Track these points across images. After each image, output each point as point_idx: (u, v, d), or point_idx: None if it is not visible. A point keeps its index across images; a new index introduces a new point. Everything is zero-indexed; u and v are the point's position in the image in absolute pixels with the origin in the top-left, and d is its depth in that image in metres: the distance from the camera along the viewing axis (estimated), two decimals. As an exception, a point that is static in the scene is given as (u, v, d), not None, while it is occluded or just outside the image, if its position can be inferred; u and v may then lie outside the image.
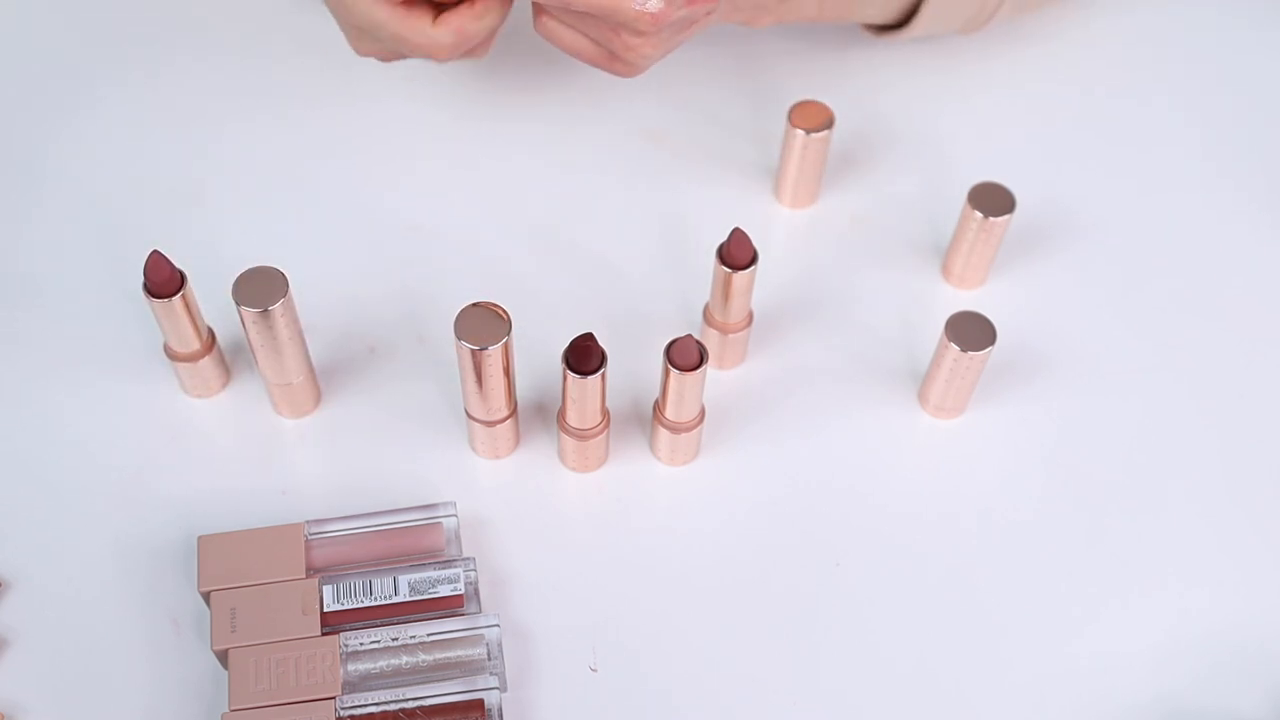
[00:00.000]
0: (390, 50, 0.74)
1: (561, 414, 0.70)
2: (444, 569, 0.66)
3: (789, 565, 0.70)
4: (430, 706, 0.62)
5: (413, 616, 0.65)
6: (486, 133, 0.85)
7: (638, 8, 0.65)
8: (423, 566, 0.66)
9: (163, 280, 0.68)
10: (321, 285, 0.77)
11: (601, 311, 0.78)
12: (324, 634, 0.64)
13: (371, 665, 0.64)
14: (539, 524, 0.71)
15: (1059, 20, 0.93)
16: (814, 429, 0.75)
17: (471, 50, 0.74)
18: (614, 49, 0.70)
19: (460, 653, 0.64)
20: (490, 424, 0.70)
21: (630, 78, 0.73)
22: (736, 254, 0.70)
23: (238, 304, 0.66)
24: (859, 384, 0.76)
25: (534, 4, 0.71)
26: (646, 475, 0.73)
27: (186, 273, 0.68)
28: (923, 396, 0.75)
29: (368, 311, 0.78)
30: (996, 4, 0.83)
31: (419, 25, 0.70)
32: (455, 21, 0.70)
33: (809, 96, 0.79)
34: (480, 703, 0.63)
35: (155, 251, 0.67)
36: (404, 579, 0.66)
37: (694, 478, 0.73)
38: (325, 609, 0.65)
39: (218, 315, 0.74)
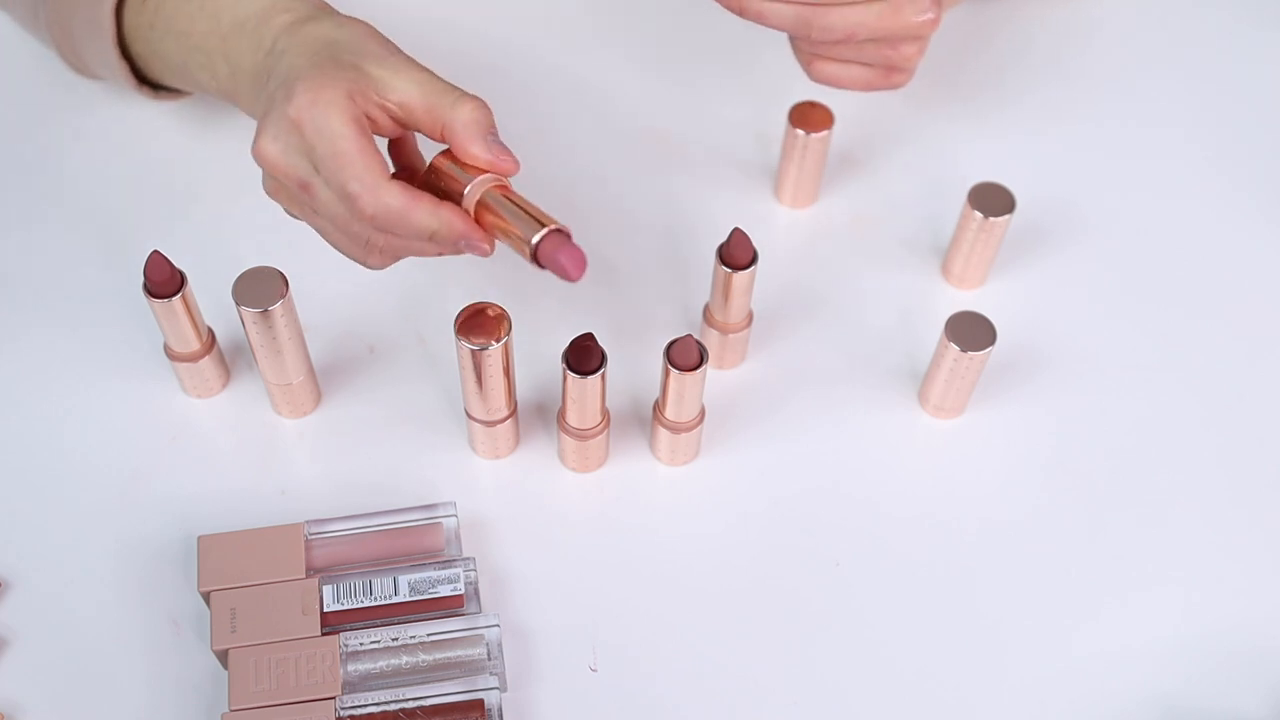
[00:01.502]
0: (304, 176, 0.62)
1: (561, 414, 0.70)
2: (444, 569, 0.66)
3: (789, 565, 0.70)
4: (430, 706, 0.62)
5: (413, 616, 0.65)
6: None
7: (918, 19, 0.70)
8: (423, 566, 0.66)
9: (163, 280, 0.68)
10: (321, 285, 0.77)
11: (601, 311, 0.78)
12: (324, 634, 0.64)
13: (371, 665, 0.64)
14: (539, 524, 0.71)
15: (1059, 20, 0.93)
16: (814, 429, 0.75)
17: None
18: (893, 63, 0.73)
19: (460, 653, 0.64)
20: (490, 424, 0.70)
21: (904, 86, 0.75)
22: (736, 254, 0.70)
23: (238, 304, 0.66)
24: (859, 384, 0.76)
25: (803, 55, 0.74)
26: (646, 475, 0.73)
27: (186, 273, 0.68)
28: (923, 396, 0.75)
29: (368, 311, 0.78)
30: None
31: (374, 164, 0.60)
32: (411, 196, 0.61)
33: (809, 96, 0.79)
34: (480, 703, 0.63)
35: (155, 251, 0.67)
36: (404, 579, 0.66)
37: (694, 478, 0.73)
38: (325, 609, 0.65)
39: (218, 315, 0.74)
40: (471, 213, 0.62)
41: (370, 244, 0.63)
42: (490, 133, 0.62)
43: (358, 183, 0.61)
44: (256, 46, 0.66)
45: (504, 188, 0.62)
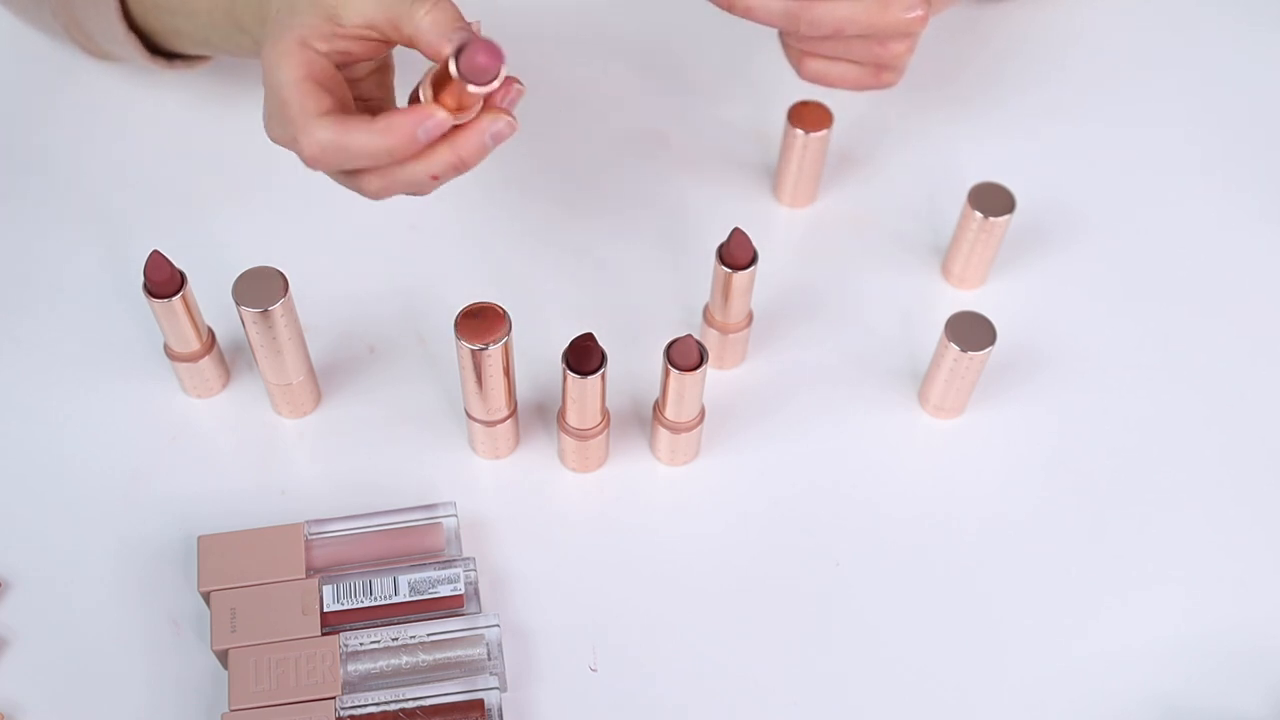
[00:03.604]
0: (276, 124, 0.61)
1: (561, 414, 0.70)
2: (444, 569, 0.66)
3: (789, 565, 0.70)
4: (430, 706, 0.62)
5: (413, 616, 0.65)
6: (486, 133, 0.85)
7: (906, 15, 0.69)
8: (423, 566, 0.66)
9: (163, 280, 0.68)
10: (321, 285, 0.77)
11: (601, 311, 0.78)
12: (324, 634, 0.64)
13: (371, 665, 0.64)
14: (539, 524, 0.71)
15: (1059, 20, 0.93)
16: (814, 429, 0.75)
17: (357, 180, 0.62)
18: (882, 61, 0.73)
19: (460, 653, 0.64)
20: (490, 424, 0.70)
21: (894, 85, 0.75)
22: (736, 254, 0.70)
23: (238, 304, 0.66)
24: (859, 384, 0.76)
25: (793, 54, 0.74)
26: (646, 475, 0.73)
27: (186, 273, 0.68)
28: (923, 396, 0.75)
29: (368, 311, 0.78)
30: None
31: (308, 103, 0.59)
32: (341, 126, 0.58)
33: (808, 96, 0.79)
34: (480, 703, 0.63)
35: (155, 251, 0.67)
36: (404, 579, 0.66)
37: (694, 478, 0.73)
38: (325, 609, 0.65)
39: (218, 315, 0.74)
40: (430, 99, 0.58)
41: (359, 187, 0.61)
42: (455, 29, 0.58)
43: (293, 126, 0.59)
44: None
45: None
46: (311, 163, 0.60)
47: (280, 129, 0.61)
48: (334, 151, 0.59)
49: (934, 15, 0.71)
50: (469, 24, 0.59)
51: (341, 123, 0.59)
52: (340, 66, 0.62)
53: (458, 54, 0.56)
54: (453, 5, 0.59)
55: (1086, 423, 0.76)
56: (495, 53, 0.56)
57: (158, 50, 0.77)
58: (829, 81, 0.74)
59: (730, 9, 0.70)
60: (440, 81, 0.58)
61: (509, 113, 0.60)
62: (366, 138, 0.58)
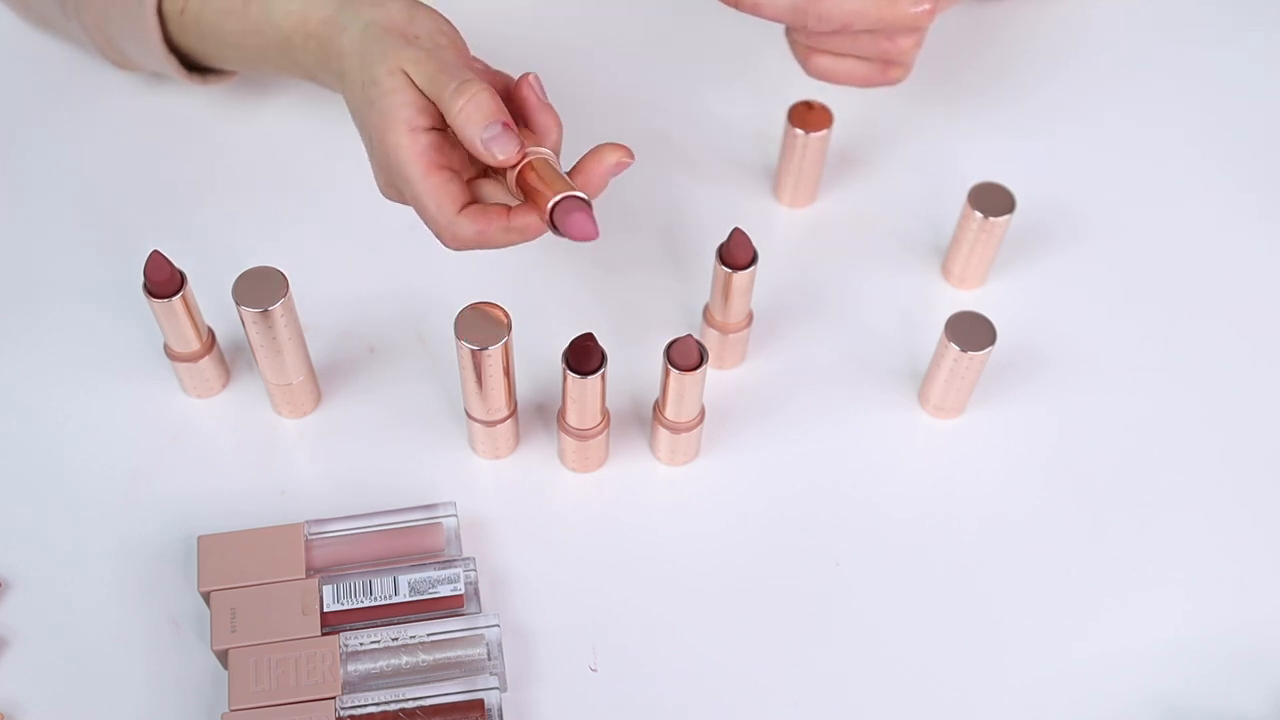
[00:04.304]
0: (395, 193, 0.67)
1: (561, 414, 0.70)
2: (444, 569, 0.66)
3: (789, 565, 0.70)
4: (430, 706, 0.63)
5: (413, 616, 0.65)
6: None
7: (914, 9, 0.69)
8: (423, 566, 0.66)
9: (163, 280, 0.68)
10: (321, 285, 0.77)
11: (601, 311, 0.78)
12: (324, 634, 0.64)
13: (371, 665, 0.64)
14: (539, 524, 0.71)
15: (1059, 20, 0.93)
16: (814, 429, 0.75)
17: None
18: (890, 57, 0.73)
19: (460, 653, 0.64)
20: (490, 424, 0.70)
21: (902, 81, 0.75)
22: (736, 254, 0.70)
23: (238, 304, 0.66)
24: (859, 384, 0.76)
25: (800, 50, 0.74)
26: (646, 475, 0.73)
27: (186, 273, 0.68)
28: (923, 396, 0.75)
29: (368, 311, 0.78)
30: None
31: (444, 202, 0.62)
32: (483, 224, 0.62)
33: (808, 96, 0.79)
34: (480, 703, 0.63)
35: (155, 251, 0.67)
36: (404, 579, 0.66)
37: (694, 478, 0.73)
38: (325, 609, 0.65)
39: (218, 315, 0.74)
40: (513, 186, 0.63)
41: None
42: (487, 125, 0.61)
43: (434, 224, 0.63)
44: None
45: (538, 162, 0.62)
46: (455, 249, 0.64)
47: (397, 194, 0.66)
48: (475, 245, 0.63)
49: (940, 12, 0.71)
50: (505, 116, 0.62)
51: (480, 221, 0.62)
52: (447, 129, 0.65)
53: (554, 209, 0.61)
54: (488, 98, 0.62)
55: (1086, 423, 0.76)
56: (588, 229, 0.61)
57: (193, 67, 0.78)
58: (836, 78, 0.74)
59: (737, 6, 0.70)
60: (527, 178, 0.62)
61: (622, 147, 0.63)
62: (505, 236, 0.63)
